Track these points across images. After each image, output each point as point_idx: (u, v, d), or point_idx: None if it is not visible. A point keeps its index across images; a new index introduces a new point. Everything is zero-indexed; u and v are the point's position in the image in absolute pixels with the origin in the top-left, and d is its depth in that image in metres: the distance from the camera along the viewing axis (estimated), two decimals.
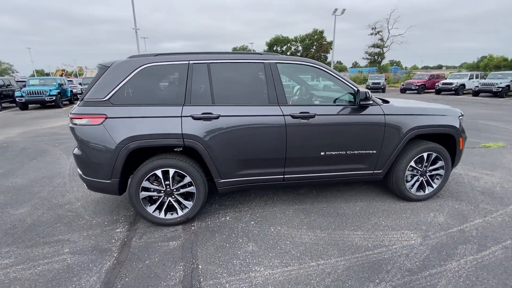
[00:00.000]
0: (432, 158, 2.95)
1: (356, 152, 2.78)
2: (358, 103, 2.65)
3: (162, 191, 2.51)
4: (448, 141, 3.02)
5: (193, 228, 2.57)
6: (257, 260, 2.11)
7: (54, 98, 13.32)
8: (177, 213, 2.58)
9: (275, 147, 2.60)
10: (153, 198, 2.56)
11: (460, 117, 3.06)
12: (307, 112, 2.61)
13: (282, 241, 2.36)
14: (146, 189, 2.47)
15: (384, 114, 2.78)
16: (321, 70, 2.77)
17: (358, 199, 3.11)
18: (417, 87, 19.82)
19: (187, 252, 2.21)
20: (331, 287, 1.83)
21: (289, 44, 55.17)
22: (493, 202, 2.95)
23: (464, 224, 2.55)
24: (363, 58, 43.31)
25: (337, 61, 76.21)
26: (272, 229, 2.54)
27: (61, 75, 33.06)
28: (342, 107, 2.74)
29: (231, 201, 3.11)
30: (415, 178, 3.02)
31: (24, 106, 12.98)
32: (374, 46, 40.06)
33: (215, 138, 2.45)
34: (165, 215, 2.55)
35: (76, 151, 2.50)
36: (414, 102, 3.34)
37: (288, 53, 53.25)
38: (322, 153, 2.72)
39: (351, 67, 64.23)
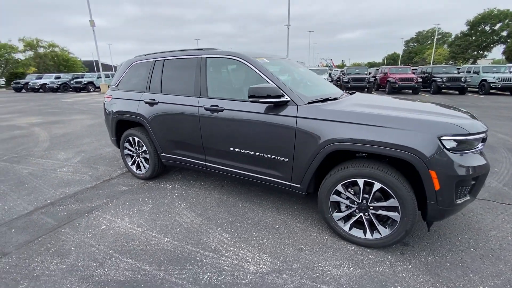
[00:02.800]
0: (376, 190, 2.00)
1: (264, 155, 2.46)
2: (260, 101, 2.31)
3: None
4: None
5: (169, 186, 3.46)
6: (136, 215, 2.69)
7: None
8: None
9: (193, 134, 2.88)
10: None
11: (451, 137, 1.78)
12: (217, 106, 2.64)
13: (168, 213, 2.73)
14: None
15: (297, 117, 2.23)
16: (242, 63, 2.60)
17: (282, 212, 2.70)
18: None
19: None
20: (147, 254, 2.14)
21: (508, 21, 38.21)
22: None
23: None
24: None
25: None
26: (176, 204, 2.93)
27: None
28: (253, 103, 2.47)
29: (188, 175, 3.68)
30: (351, 210, 2.18)
31: None
32: None
33: (154, 119, 3.13)
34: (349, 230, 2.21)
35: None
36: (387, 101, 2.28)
37: (504, 33, 37.04)
38: (232, 149, 2.65)
39: None
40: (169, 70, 3.14)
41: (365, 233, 2.15)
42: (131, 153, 3.64)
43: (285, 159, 2.36)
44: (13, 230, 2.46)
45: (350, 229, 2.21)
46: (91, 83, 23.11)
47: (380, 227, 2.09)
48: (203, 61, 2.83)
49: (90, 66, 58.26)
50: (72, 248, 2.19)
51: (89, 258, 2.07)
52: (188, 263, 2.02)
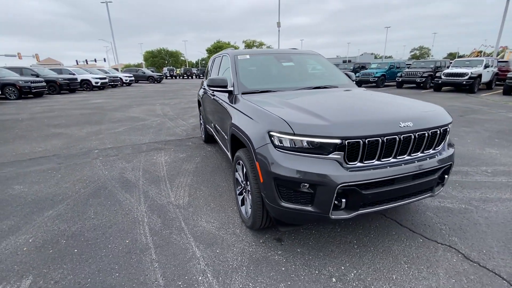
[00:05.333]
0: (246, 172, 2.26)
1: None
2: None
3: None
4: None
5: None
6: (173, 155, 4.28)
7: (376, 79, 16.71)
8: None
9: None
10: None
11: (277, 134, 1.75)
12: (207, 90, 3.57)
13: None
14: None
15: (230, 103, 2.75)
16: (229, 59, 3.27)
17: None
18: None
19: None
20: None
21: None
22: None
23: None
24: None
25: None
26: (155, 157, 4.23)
27: (477, 56, 32.75)
28: None
29: None
30: (240, 188, 2.51)
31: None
32: None
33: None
34: None
35: None
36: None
37: None
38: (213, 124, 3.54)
39: None
40: None
41: (246, 212, 2.42)
42: None
43: (225, 134, 2.95)
44: (130, 149, 4.86)
45: (241, 204, 2.53)
46: None
47: (248, 208, 2.30)
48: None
49: None
50: (156, 160, 4.15)
51: (144, 166, 3.91)
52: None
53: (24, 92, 13.18)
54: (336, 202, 1.69)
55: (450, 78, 13.27)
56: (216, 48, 55.92)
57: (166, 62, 70.55)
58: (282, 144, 1.76)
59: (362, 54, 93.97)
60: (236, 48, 53.68)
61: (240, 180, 2.45)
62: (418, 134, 1.78)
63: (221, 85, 2.84)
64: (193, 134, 5.86)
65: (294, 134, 1.69)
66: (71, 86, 16.76)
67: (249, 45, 57.58)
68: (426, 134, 1.81)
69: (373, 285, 1.75)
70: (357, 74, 19.29)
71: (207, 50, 64.83)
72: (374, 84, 18.06)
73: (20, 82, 12.93)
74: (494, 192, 2.96)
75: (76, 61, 56.33)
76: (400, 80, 16.15)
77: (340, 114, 1.87)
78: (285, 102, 2.22)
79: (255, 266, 1.93)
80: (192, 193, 3.07)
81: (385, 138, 1.68)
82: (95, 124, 7.06)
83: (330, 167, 1.65)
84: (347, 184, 1.61)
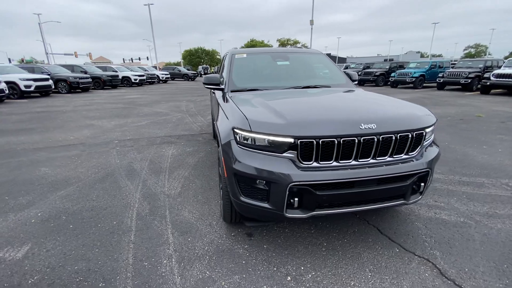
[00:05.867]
0: None
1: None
2: None
3: None
4: None
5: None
6: (181, 149, 4.53)
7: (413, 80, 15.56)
8: None
9: None
10: None
11: (237, 130, 1.79)
12: None
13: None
14: None
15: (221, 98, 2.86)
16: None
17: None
18: None
19: None
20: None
21: None
22: None
23: None
24: None
25: None
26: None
27: None
28: None
29: None
30: None
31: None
32: None
33: None
34: None
35: None
36: None
37: None
38: None
39: None
40: None
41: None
42: None
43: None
44: (145, 141, 5.23)
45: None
46: None
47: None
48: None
49: None
50: (148, 154, 4.48)
51: (153, 157, 4.23)
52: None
53: (73, 87, 14.80)
54: (291, 200, 1.69)
55: (501, 79, 11.79)
56: (249, 46, 56.72)
57: (202, 60, 73.26)
58: (243, 141, 1.81)
59: (406, 53, 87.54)
60: (269, 46, 54.16)
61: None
62: (382, 137, 1.69)
63: (214, 83, 2.96)
64: (207, 130, 6.10)
65: (251, 131, 1.74)
66: (113, 82, 18.38)
67: (283, 43, 57.34)
68: (394, 138, 1.72)
69: (325, 287, 1.72)
70: (393, 74, 18.08)
71: None
72: (411, 85, 16.79)
73: (70, 78, 14.56)
74: (507, 207, 2.65)
75: (123, 59, 61.41)
76: (441, 81, 14.77)
77: (300, 113, 1.85)
78: (262, 101, 2.26)
79: (218, 257, 2.02)
80: (185, 185, 3.25)
81: (341, 139, 1.64)
82: (123, 118, 7.70)
83: (283, 165, 1.66)
84: (298, 183, 1.62)
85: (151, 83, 24.29)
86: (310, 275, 1.83)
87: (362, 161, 1.72)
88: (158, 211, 2.65)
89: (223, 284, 1.76)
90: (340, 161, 1.70)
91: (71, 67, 16.80)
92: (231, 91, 2.79)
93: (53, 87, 13.43)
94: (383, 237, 2.24)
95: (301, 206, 1.72)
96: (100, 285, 1.76)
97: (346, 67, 26.36)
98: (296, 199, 1.68)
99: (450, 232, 2.29)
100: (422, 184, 1.87)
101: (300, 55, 3.46)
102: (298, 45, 57.56)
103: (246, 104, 2.18)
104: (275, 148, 1.71)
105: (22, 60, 51.34)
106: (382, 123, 1.70)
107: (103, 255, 2.03)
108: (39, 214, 2.61)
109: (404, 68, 18.81)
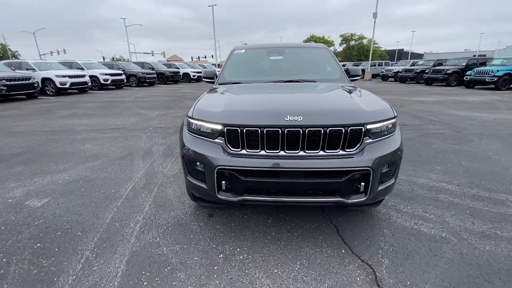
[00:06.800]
0: None
1: None
2: None
3: None
4: None
5: None
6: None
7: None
8: None
9: None
10: None
11: (189, 119, 2.00)
12: None
13: None
14: None
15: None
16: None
17: None
18: None
19: None
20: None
21: None
22: None
23: None
24: None
25: None
26: None
27: None
28: None
29: None
30: None
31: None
32: None
33: None
34: None
35: None
36: None
37: None
38: None
39: None
40: None
41: None
42: None
43: None
44: (174, 129, 5.85)
45: None
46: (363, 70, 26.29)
47: None
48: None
49: (393, 55, 64.16)
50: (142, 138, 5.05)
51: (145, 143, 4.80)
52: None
53: (141, 81, 17.17)
54: (223, 183, 1.84)
55: None
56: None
57: None
58: (191, 127, 2.02)
59: (504, 48, 72.46)
60: (330, 42, 51.09)
61: None
62: (309, 130, 1.67)
63: (209, 77, 3.23)
64: None
65: (193, 118, 1.94)
66: (175, 78, 20.55)
67: (346, 38, 54.09)
68: (322, 131, 1.68)
69: (248, 269, 1.82)
70: (469, 72, 15.38)
71: None
72: (492, 86, 14.03)
73: (139, 73, 16.93)
74: None
75: (191, 57, 67.35)
76: None
77: (240, 105, 1.95)
78: (227, 93, 2.42)
79: (173, 228, 2.29)
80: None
81: (265, 129, 1.69)
82: (168, 109, 8.68)
83: (213, 150, 1.81)
84: (224, 167, 1.75)
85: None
86: (241, 257, 1.94)
87: (291, 152, 1.74)
88: (149, 187, 3.08)
89: (164, 250, 2.03)
90: (268, 151, 1.76)
91: (141, 64, 19.50)
92: (219, 84, 3.00)
93: (125, 81, 15.86)
94: (337, 238, 2.16)
95: (231, 190, 1.84)
96: (78, 233, 2.23)
97: (413, 64, 23.51)
98: (225, 182, 1.81)
99: (418, 244, 2.06)
100: (362, 183, 1.76)
101: (299, 50, 3.43)
102: (365, 41, 53.58)
103: (212, 94, 2.37)
104: (209, 134, 1.87)
105: (113, 58, 61.37)
106: (309, 116, 1.68)
107: (91, 213, 2.53)
108: (66, 178, 3.32)
109: (486, 66, 15.78)
